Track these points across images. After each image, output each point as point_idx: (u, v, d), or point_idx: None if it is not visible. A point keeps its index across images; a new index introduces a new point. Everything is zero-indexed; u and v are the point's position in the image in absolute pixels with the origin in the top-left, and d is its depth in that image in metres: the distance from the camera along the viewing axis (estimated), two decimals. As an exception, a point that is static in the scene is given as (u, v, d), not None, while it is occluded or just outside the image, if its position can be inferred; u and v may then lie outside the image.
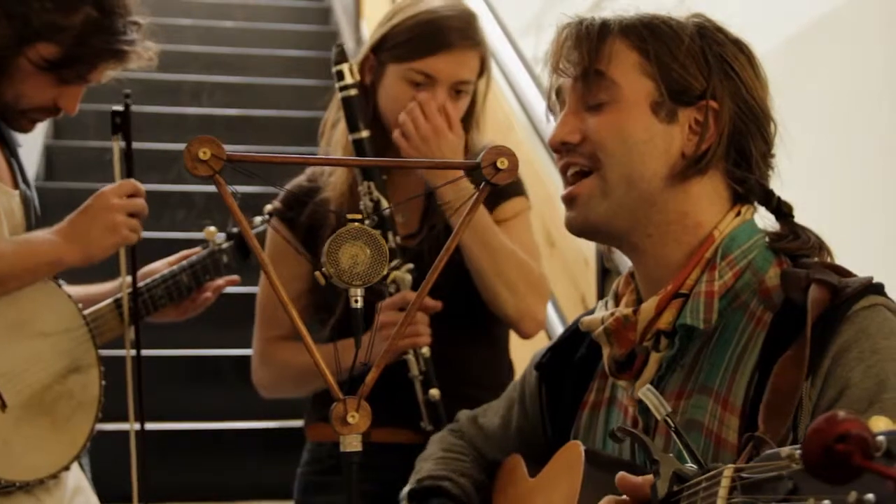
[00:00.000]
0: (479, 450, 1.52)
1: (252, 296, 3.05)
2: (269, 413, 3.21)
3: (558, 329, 2.86)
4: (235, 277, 2.01)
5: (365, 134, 1.87)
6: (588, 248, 2.52)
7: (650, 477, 0.99)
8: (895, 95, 2.28)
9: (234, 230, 2.04)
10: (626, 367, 1.25)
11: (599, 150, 1.23)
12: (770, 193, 1.27)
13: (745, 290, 1.20)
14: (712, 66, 1.23)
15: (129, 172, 1.82)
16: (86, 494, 1.81)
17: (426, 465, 1.49)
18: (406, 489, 1.45)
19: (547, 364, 1.41)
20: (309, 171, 2.01)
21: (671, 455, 0.99)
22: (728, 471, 0.86)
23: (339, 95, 1.88)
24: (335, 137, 1.94)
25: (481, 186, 1.03)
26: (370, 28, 5.47)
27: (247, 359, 3.10)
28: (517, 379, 1.51)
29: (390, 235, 1.87)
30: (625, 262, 1.42)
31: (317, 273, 0.99)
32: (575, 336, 1.38)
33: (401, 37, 1.89)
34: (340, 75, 1.88)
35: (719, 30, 1.27)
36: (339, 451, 0.98)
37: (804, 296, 1.12)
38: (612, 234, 1.27)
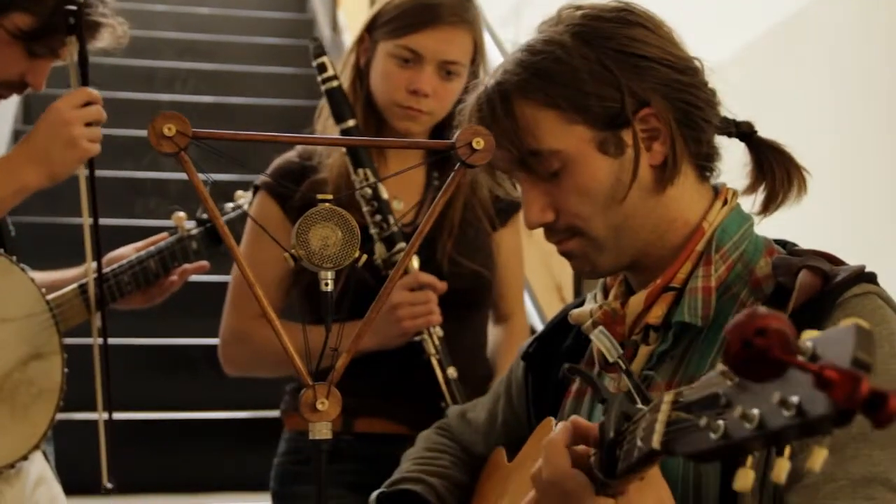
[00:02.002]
0: (466, 445, 1.49)
1: (224, 285, 3.00)
2: (241, 403, 3.18)
3: (534, 318, 2.84)
4: (204, 263, 1.96)
5: (352, 123, 1.86)
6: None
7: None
8: (867, 89, 2.27)
9: (205, 216, 1.99)
10: None
11: (575, 220, 1.20)
12: (727, 124, 1.24)
13: (737, 282, 1.18)
14: (618, 74, 1.16)
15: (84, 79, 1.71)
16: (49, 485, 1.77)
17: (403, 466, 1.46)
18: (374, 494, 1.41)
19: (533, 354, 1.38)
20: (300, 148, 1.97)
21: (622, 395, 0.99)
22: (668, 395, 0.86)
23: (322, 88, 1.88)
24: (330, 122, 1.91)
25: (457, 167, 1.00)
26: (347, 16, 5.45)
27: (215, 348, 3.03)
28: (503, 373, 1.49)
29: (391, 219, 1.85)
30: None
31: (285, 255, 0.96)
32: (562, 326, 1.35)
33: (391, 14, 1.87)
34: (322, 68, 1.87)
35: (597, 18, 1.20)
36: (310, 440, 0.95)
37: (794, 281, 1.10)
38: (623, 269, 1.25)
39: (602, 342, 1.00)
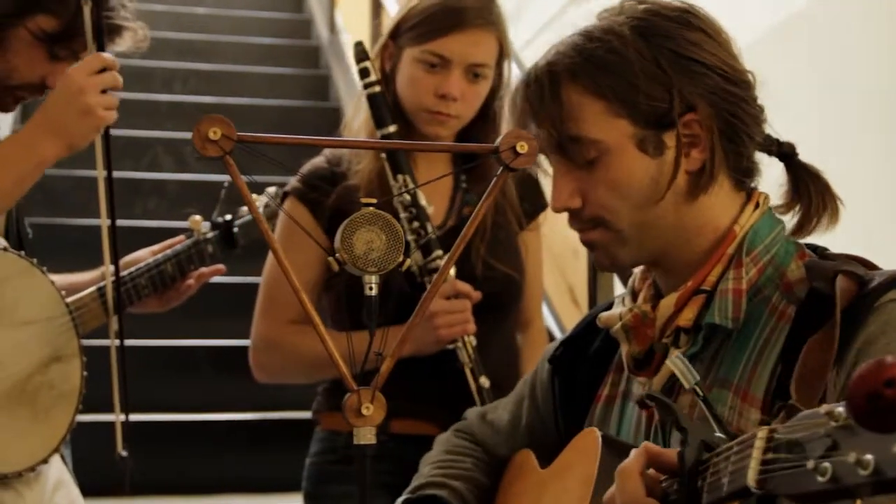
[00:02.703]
0: (487, 448, 1.48)
1: (234, 286, 2.99)
2: (247, 405, 3.17)
3: (549, 320, 2.84)
4: (221, 267, 1.95)
5: (392, 129, 1.86)
6: (577, 239, 2.49)
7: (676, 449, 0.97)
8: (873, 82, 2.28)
9: (220, 220, 1.99)
10: (645, 364, 1.23)
11: (602, 212, 1.20)
12: (769, 142, 1.24)
13: (768, 285, 1.18)
14: (672, 75, 1.16)
15: (100, 45, 1.67)
16: (68, 488, 1.76)
17: (425, 470, 1.45)
18: (399, 501, 1.40)
19: (560, 357, 1.38)
20: (328, 153, 1.96)
21: (700, 424, 0.97)
22: (763, 432, 0.83)
23: (363, 93, 1.87)
24: (357, 126, 1.91)
25: (500, 171, 1.00)
26: (344, 17, 5.44)
27: (225, 349, 3.03)
28: (526, 375, 1.49)
29: (429, 226, 1.85)
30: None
31: (330, 259, 0.96)
32: (589, 329, 1.35)
33: (415, 19, 1.87)
34: (365, 73, 1.87)
35: (658, 15, 1.19)
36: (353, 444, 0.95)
37: (831, 286, 1.10)
38: (642, 264, 1.26)
39: (678, 367, 0.99)
